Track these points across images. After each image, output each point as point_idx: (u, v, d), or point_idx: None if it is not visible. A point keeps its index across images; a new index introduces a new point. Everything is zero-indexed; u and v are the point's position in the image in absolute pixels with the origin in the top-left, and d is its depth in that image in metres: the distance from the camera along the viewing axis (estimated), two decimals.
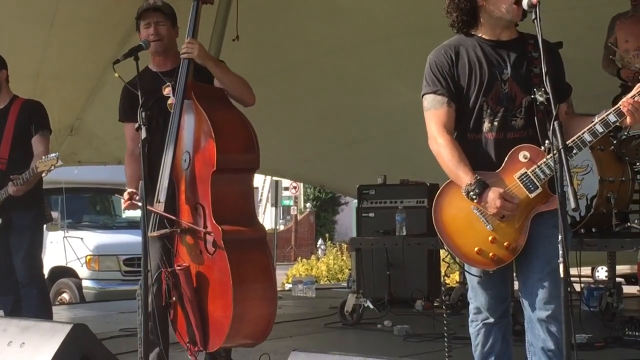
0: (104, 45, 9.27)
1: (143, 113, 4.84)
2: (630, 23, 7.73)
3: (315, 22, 9.77)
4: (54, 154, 6.28)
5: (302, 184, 32.24)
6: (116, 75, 5.02)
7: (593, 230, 7.01)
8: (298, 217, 35.20)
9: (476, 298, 4.28)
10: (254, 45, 8.32)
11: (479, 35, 4.21)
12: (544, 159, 3.99)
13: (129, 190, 5.37)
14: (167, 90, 5.22)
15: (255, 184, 5.62)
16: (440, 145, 4.12)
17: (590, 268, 14.39)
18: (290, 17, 9.65)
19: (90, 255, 12.62)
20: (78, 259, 12.56)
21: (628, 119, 3.94)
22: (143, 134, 4.82)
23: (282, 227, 34.17)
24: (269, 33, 9.45)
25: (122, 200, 5.44)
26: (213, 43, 8.20)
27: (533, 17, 3.87)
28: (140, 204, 5.23)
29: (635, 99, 3.92)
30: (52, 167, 6.36)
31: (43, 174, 6.47)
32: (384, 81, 10.55)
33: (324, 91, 10.86)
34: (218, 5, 7.53)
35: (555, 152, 3.69)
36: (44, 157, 6.29)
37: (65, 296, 12.55)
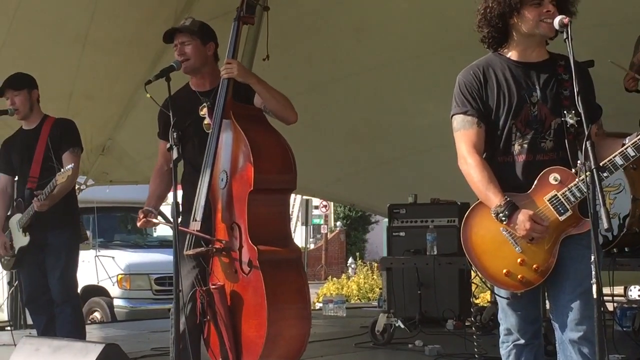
0: (135, 65, 9.34)
1: (175, 133, 4.88)
2: None
3: (344, 40, 9.80)
4: (70, 166, 6.33)
5: (332, 203, 32.21)
6: (148, 95, 5.05)
7: (626, 249, 6.98)
8: (328, 236, 35.16)
9: (506, 319, 4.29)
10: (283, 64, 8.37)
11: (508, 55, 4.23)
12: (575, 182, 4.00)
13: (145, 208, 5.43)
14: (203, 111, 5.24)
15: (290, 200, 5.64)
16: (470, 165, 4.13)
17: (622, 287, 14.30)
18: (319, 36, 9.69)
19: (121, 274, 12.73)
20: (109, 277, 12.64)
21: None
22: (174, 155, 4.86)
23: (312, 246, 34.16)
24: (299, 52, 9.50)
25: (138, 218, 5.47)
26: (244, 62, 8.25)
27: (564, 36, 3.89)
28: (155, 220, 5.33)
29: None
30: (83, 187, 6.42)
31: (78, 191, 6.53)
32: (414, 100, 10.57)
33: (353, 110, 10.89)
34: (249, 25, 7.57)
35: (587, 173, 3.70)
36: (62, 170, 6.34)
37: (97, 315, 12.62)
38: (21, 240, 6.75)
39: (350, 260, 28.66)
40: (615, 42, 8.52)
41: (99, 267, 12.48)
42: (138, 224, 5.45)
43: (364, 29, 9.61)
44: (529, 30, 4.12)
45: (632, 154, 3.98)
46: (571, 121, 4.07)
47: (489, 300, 9.56)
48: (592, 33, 7.87)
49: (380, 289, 13.58)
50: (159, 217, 5.66)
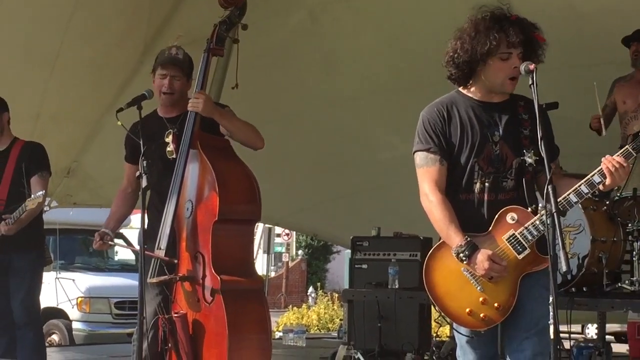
0: (104, 89, 9.36)
1: (145, 162, 4.92)
2: (629, 85, 7.84)
3: (313, 73, 9.87)
4: (41, 192, 6.34)
5: (294, 232, 32.20)
6: (119, 123, 5.11)
7: (584, 289, 7.04)
8: (290, 264, 35.07)
9: (464, 357, 4.34)
10: (252, 94, 8.41)
11: (472, 95, 4.28)
12: (531, 221, 4.07)
13: (102, 230, 5.47)
14: (169, 138, 5.30)
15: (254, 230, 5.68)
16: (432, 203, 4.18)
17: (580, 325, 14.41)
18: (289, 67, 9.76)
19: (81, 297, 12.67)
20: (69, 300, 12.57)
21: (608, 179, 4.01)
22: (143, 183, 4.90)
23: (273, 274, 34.05)
24: (268, 83, 9.55)
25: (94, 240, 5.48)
26: (213, 90, 8.32)
27: (530, 82, 3.96)
28: (111, 243, 5.42)
29: (616, 159, 4.01)
30: (47, 208, 6.43)
31: (43, 212, 6.54)
32: (379, 134, 10.64)
33: (319, 142, 10.93)
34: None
35: (547, 215, 3.76)
36: (32, 195, 6.35)
37: (55, 337, 12.51)
38: None
39: (311, 289, 28.63)
40: (583, 83, 8.65)
41: (59, 289, 12.41)
42: (94, 246, 5.49)
43: (332, 62, 9.69)
44: (493, 83, 4.20)
45: (586, 190, 4.06)
46: (530, 160, 4.16)
47: (448, 335, 9.61)
48: (561, 74, 7.99)
49: (340, 319, 13.59)
50: (120, 240, 5.69)
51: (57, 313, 12.56)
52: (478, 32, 4.12)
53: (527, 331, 4.12)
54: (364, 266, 9.27)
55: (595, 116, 7.67)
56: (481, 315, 4.13)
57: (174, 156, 5.26)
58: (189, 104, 5.22)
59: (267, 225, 21.32)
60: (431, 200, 4.19)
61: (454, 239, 4.11)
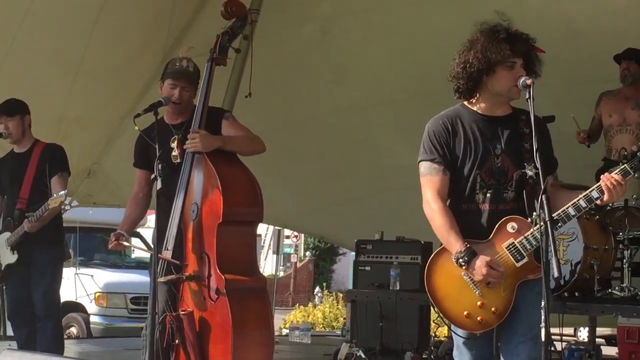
0: (125, 94, 9.37)
1: (160, 165, 4.92)
2: (615, 100, 7.84)
3: (323, 82, 9.88)
4: (63, 192, 6.37)
5: (302, 234, 32.20)
6: (136, 128, 5.12)
7: (576, 294, 7.03)
8: (297, 265, 35.08)
9: (461, 357, 4.31)
10: (264, 101, 8.40)
11: (476, 108, 4.26)
12: (531, 231, 4.04)
13: (117, 231, 5.44)
14: (174, 143, 5.28)
15: (258, 232, 5.66)
16: (434, 211, 4.17)
17: (572, 328, 14.35)
18: (301, 77, 9.77)
19: (99, 292, 12.66)
20: (87, 295, 12.55)
21: (606, 196, 4.00)
22: (158, 185, 4.91)
23: (281, 274, 34.03)
24: (279, 91, 9.56)
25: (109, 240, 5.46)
26: (227, 98, 8.32)
27: (527, 96, 3.98)
28: (126, 244, 5.39)
29: (615, 177, 3.98)
30: (67, 207, 6.44)
31: (62, 212, 6.57)
32: (386, 141, 10.61)
33: (328, 148, 10.92)
34: (234, 64, 7.62)
35: (541, 224, 3.75)
36: (54, 195, 6.37)
37: (73, 330, 12.51)
38: (9, 257, 6.74)
39: (317, 289, 28.59)
40: (577, 99, 8.63)
41: (78, 285, 12.39)
42: (109, 246, 5.46)
43: (342, 71, 9.69)
44: (501, 91, 4.18)
45: (584, 205, 4.05)
46: (530, 173, 4.14)
47: (446, 335, 9.57)
48: (557, 90, 7.97)
49: (344, 318, 13.54)
50: (138, 241, 5.69)
51: (76, 307, 12.53)
52: (489, 41, 4.12)
53: (522, 335, 4.10)
54: (367, 268, 9.23)
55: (578, 131, 7.72)
56: (478, 318, 4.12)
57: (178, 161, 5.24)
58: (187, 145, 5.16)
59: (276, 227, 21.30)
60: (433, 208, 4.18)
61: (454, 245, 4.10)
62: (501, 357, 4.19)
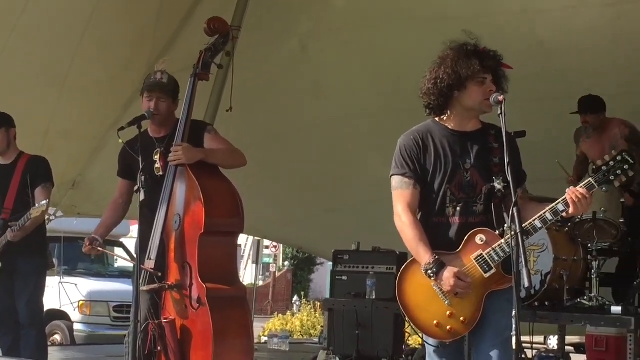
0: (109, 107, 9.35)
1: (143, 177, 4.91)
2: (590, 142, 7.92)
3: (302, 98, 9.90)
4: (44, 202, 6.34)
5: (281, 244, 32.16)
6: (120, 141, 5.13)
7: (546, 303, 7.07)
8: (276, 274, 35.03)
9: None
10: (245, 116, 8.40)
11: (446, 124, 4.27)
12: (499, 243, 4.06)
13: (92, 236, 5.43)
14: (157, 156, 5.27)
15: (238, 242, 5.66)
16: (404, 223, 4.18)
17: (543, 337, 14.41)
18: (280, 92, 9.78)
19: (83, 300, 12.63)
20: (71, 303, 12.53)
21: (571, 208, 4.01)
22: (141, 196, 4.90)
23: (261, 283, 33.93)
24: (260, 106, 9.55)
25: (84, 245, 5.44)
26: (209, 112, 8.32)
27: (499, 112, 4.00)
28: (99, 249, 5.39)
29: (580, 190, 4.00)
30: (52, 217, 6.43)
31: (47, 222, 6.54)
32: (363, 155, 10.61)
33: (306, 161, 10.92)
34: (215, 79, 7.63)
35: (512, 235, 3.77)
36: (37, 205, 6.34)
37: (57, 337, 12.46)
38: None
39: (296, 298, 28.54)
40: (548, 114, 8.68)
41: (62, 293, 12.36)
42: (84, 250, 5.46)
43: (320, 87, 9.71)
44: (472, 105, 4.19)
45: (550, 217, 4.06)
46: (499, 186, 4.15)
47: (420, 343, 9.59)
48: (528, 105, 8.01)
49: (321, 326, 13.51)
50: (121, 251, 5.67)
51: (60, 315, 12.50)
52: (460, 58, 4.13)
53: (492, 341, 4.10)
54: (344, 278, 9.24)
55: (569, 178, 7.79)
56: (448, 327, 4.12)
57: (161, 173, 5.24)
58: (170, 157, 5.15)
59: (256, 238, 21.20)
60: (403, 221, 4.19)
61: (423, 256, 4.10)
62: None
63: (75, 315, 12.60)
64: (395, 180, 4.25)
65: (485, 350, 4.11)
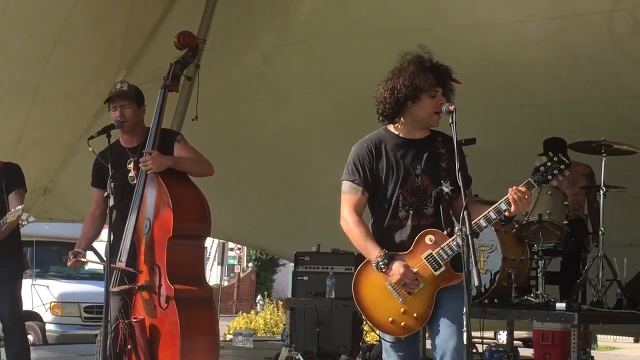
0: (79, 117, 9.30)
1: (112, 184, 4.91)
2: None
3: (264, 108, 9.92)
4: (20, 206, 6.30)
5: (245, 246, 32.12)
6: (90, 149, 5.11)
7: (495, 300, 7.13)
8: (241, 275, 35.00)
9: (389, 359, 4.36)
10: (210, 124, 8.39)
11: (397, 132, 4.30)
12: (447, 242, 4.12)
13: (75, 249, 5.41)
14: (130, 165, 5.26)
15: (205, 244, 5.66)
16: (350, 224, 4.24)
17: (493, 332, 14.52)
18: (244, 102, 9.79)
19: (54, 301, 12.55)
20: (43, 304, 12.43)
21: (513, 207, 4.07)
22: (111, 202, 4.89)
23: (226, 283, 33.90)
24: (225, 115, 9.55)
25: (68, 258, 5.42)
26: (175, 121, 8.30)
27: (450, 121, 4.04)
28: (83, 260, 5.38)
29: (520, 189, 4.06)
30: (25, 222, 6.37)
31: (20, 226, 6.47)
32: (321, 161, 10.65)
33: (269, 168, 10.94)
34: (182, 89, 7.61)
35: (463, 237, 3.82)
36: (12, 210, 6.29)
37: (30, 337, 12.29)
38: None
39: (259, 297, 28.51)
40: (497, 121, 8.75)
41: (34, 295, 12.26)
42: (68, 264, 5.44)
43: (282, 98, 9.73)
44: (423, 117, 4.23)
45: (494, 216, 4.13)
46: (447, 190, 4.20)
47: (377, 339, 9.64)
48: (479, 112, 8.08)
49: (284, 324, 13.53)
50: (93, 256, 5.64)
51: (32, 316, 12.34)
52: (417, 70, 4.17)
53: (449, 326, 4.13)
54: (305, 278, 9.27)
55: None
56: (402, 324, 4.18)
57: (135, 181, 5.22)
58: (141, 164, 5.13)
59: (221, 240, 21.16)
60: (348, 222, 4.26)
61: (372, 251, 4.16)
62: (433, 349, 4.21)
63: (47, 316, 12.51)
64: (345, 185, 4.31)
65: (443, 333, 4.14)
